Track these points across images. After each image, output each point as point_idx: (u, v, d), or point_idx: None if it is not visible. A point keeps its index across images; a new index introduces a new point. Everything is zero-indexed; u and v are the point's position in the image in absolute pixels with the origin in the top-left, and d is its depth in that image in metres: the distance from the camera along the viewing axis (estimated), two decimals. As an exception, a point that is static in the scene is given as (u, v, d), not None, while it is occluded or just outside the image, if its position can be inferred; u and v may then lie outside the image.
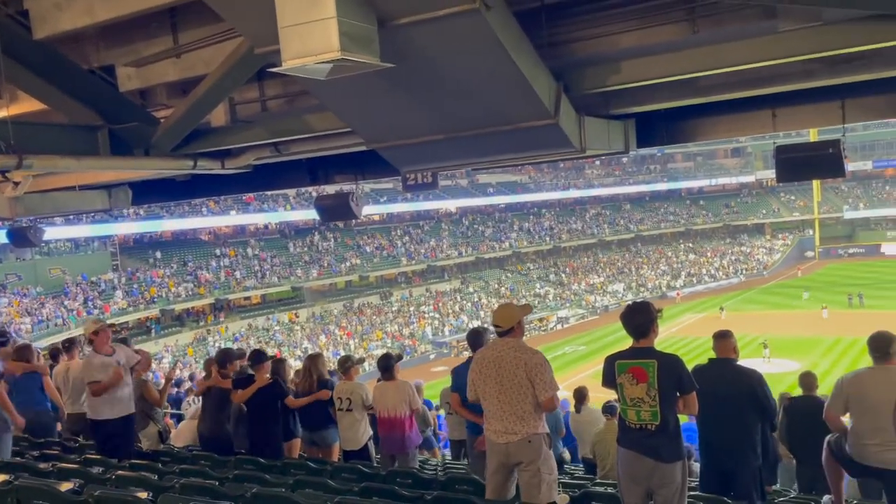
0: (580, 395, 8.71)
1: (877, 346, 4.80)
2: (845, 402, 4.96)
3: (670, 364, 4.22)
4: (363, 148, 7.14)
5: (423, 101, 5.48)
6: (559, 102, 5.51)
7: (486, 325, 5.41)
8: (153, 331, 38.40)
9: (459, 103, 5.46)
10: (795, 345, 33.67)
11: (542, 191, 63.77)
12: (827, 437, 5.35)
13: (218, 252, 45.19)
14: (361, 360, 7.44)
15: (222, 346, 35.46)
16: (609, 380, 4.36)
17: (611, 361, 4.38)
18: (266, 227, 49.96)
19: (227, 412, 7.16)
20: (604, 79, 5.78)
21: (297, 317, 44.77)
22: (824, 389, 7.31)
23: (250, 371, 7.03)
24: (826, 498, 5.47)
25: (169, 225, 43.38)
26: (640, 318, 4.30)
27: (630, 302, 4.63)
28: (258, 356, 7.18)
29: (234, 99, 7.19)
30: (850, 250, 63.44)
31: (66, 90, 6.54)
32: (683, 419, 4.55)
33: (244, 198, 45.49)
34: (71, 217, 33.48)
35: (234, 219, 46.19)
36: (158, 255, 42.45)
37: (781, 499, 6.25)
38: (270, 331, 42.41)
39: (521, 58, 4.91)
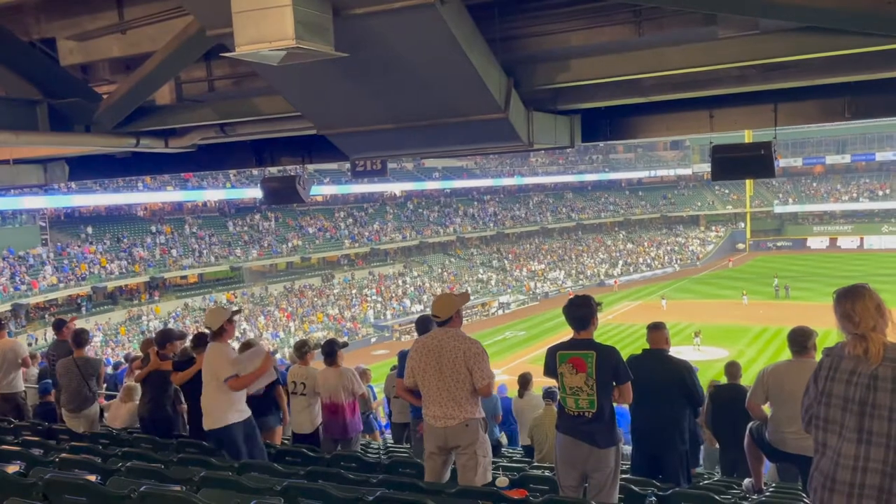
0: (524, 381, 8.93)
1: (795, 340, 5.12)
2: (766, 392, 5.28)
3: (608, 355, 4.43)
4: (312, 132, 7.13)
5: (375, 90, 5.53)
6: (509, 97, 5.63)
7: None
8: (84, 308, 37.20)
9: (411, 94, 5.53)
10: (724, 333, 35.03)
11: (487, 177, 64.24)
12: (749, 425, 5.68)
13: (154, 229, 43.99)
14: (318, 346, 7.43)
15: (157, 325, 34.75)
16: (550, 369, 4.55)
17: (552, 352, 4.56)
18: (205, 204, 48.84)
19: (168, 394, 7.08)
20: (553, 76, 5.92)
21: (236, 297, 44.07)
22: (749, 378, 7.72)
23: (193, 354, 6.95)
24: (747, 480, 5.81)
25: (91, 199, 41.41)
26: (580, 311, 4.50)
27: (572, 295, 4.81)
28: (201, 339, 7.08)
29: (181, 77, 7.06)
30: (779, 243, 66.17)
31: (3, 62, 6.32)
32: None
33: (182, 174, 44.32)
34: (-2, 189, 32.03)
35: (171, 195, 44.97)
36: (90, 230, 41.03)
37: (706, 481, 6.59)
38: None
39: (473, 52, 5.00)
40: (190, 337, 7.69)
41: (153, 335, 7.90)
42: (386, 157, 7.34)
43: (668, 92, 6.38)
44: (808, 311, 32.71)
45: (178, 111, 7.31)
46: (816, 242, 64.69)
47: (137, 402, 7.56)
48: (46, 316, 33.95)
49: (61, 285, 36.05)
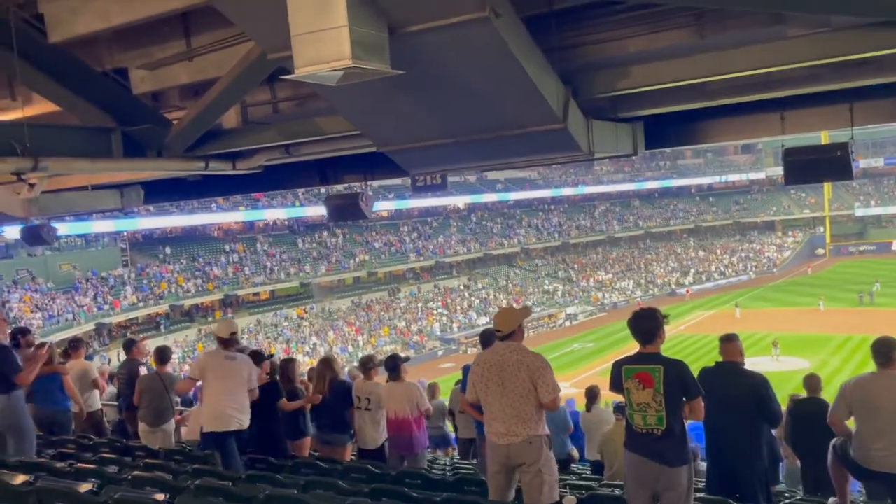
0: (591, 395, 8.75)
1: (880, 351, 4.84)
2: (849, 406, 5.01)
3: (676, 370, 4.27)
4: (373, 149, 7.21)
5: (432, 105, 5.54)
6: (567, 107, 5.55)
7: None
8: (162, 326, 38.68)
9: (468, 108, 5.52)
10: (805, 343, 33.60)
11: (550, 187, 63.72)
12: (832, 441, 5.39)
13: (227, 248, 45.44)
14: (383, 362, 7.52)
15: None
16: (616, 384, 4.42)
17: (618, 367, 4.43)
18: (275, 222, 50.20)
19: None
20: (612, 83, 5.82)
21: (306, 312, 44.97)
22: (831, 391, 7.35)
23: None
24: (832, 500, 5.52)
25: (166, 221, 43.05)
26: (646, 325, 4.35)
27: (640, 307, 4.66)
28: (256, 357, 7.20)
29: (246, 101, 7.27)
30: (861, 248, 63.18)
31: (79, 93, 6.63)
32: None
33: (253, 194, 45.70)
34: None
35: (243, 215, 46.39)
36: (168, 250, 42.74)
37: (787, 500, 6.29)
38: (279, 326, 42.63)
39: (529, 64, 4.96)
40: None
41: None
42: (445, 171, 7.35)
43: (735, 95, 6.16)
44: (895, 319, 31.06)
45: (244, 134, 7.53)
46: (902, 246, 61.42)
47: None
48: (128, 334, 35.42)
49: (141, 304, 37.60)
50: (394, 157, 6.65)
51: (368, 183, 9.56)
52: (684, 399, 4.27)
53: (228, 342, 6.56)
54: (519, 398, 4.54)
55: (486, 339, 6.15)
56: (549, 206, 63.69)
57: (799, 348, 32.45)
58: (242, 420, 6.33)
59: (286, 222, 50.52)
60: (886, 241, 62.45)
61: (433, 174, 7.59)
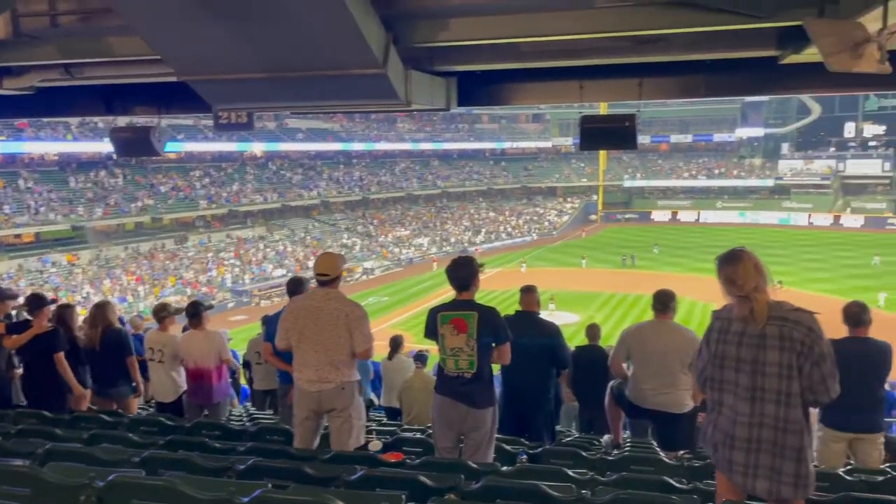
0: (395, 344, 8.90)
1: (660, 300, 5.41)
2: (627, 350, 5.56)
3: (489, 316, 4.44)
4: (171, 79, 6.57)
5: (246, 34, 5.14)
6: (388, 52, 5.44)
7: (305, 276, 5.35)
8: None
9: (285, 41, 5.20)
10: (575, 299, 36.97)
11: (353, 141, 63.24)
12: (610, 383, 5.97)
13: (-19, 182, 39.73)
14: (178, 311, 6.99)
15: (-14, 288, 31.51)
16: (431, 331, 4.50)
17: (434, 313, 4.51)
18: (42, 157, 44.63)
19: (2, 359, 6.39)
20: (432, 34, 5.79)
21: (78, 259, 40.86)
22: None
23: (28, 317, 6.33)
24: (606, 437, 6.12)
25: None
26: (462, 272, 4.47)
27: (456, 256, 4.76)
28: (37, 301, 6.44)
29: (18, 10, 6.26)
30: (627, 216, 70.44)
31: None
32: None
33: (16, 123, 40.17)
34: None
35: (3, 146, 40.69)
36: None
37: (567, 438, 6.88)
38: (45, 273, 38.34)
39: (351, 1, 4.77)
40: (22, 299, 7.01)
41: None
42: (255, 109, 6.92)
43: (546, 59, 6.45)
44: (653, 280, 35.18)
45: (14, 47, 6.47)
46: (660, 215, 69.48)
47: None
48: None
49: None
50: (197, 88, 6.11)
51: (162, 118, 8.76)
52: (494, 344, 4.46)
53: None
54: (334, 345, 4.48)
55: (294, 286, 5.98)
56: (350, 159, 63.24)
57: (571, 304, 35.66)
58: None
59: (55, 157, 45.09)
60: (647, 211, 70.28)
61: (239, 112, 7.13)
